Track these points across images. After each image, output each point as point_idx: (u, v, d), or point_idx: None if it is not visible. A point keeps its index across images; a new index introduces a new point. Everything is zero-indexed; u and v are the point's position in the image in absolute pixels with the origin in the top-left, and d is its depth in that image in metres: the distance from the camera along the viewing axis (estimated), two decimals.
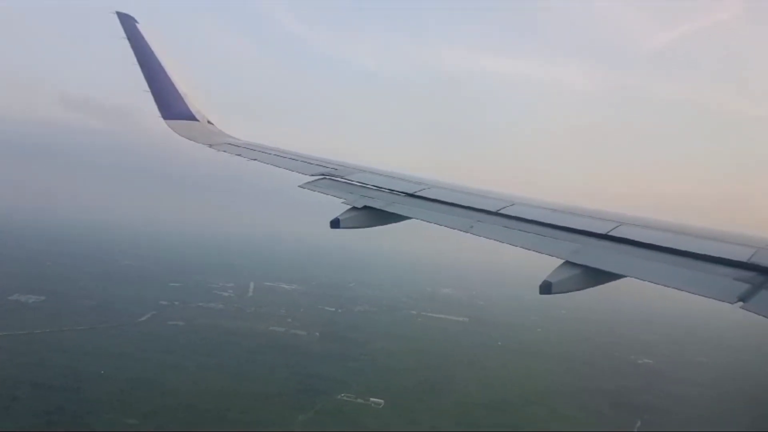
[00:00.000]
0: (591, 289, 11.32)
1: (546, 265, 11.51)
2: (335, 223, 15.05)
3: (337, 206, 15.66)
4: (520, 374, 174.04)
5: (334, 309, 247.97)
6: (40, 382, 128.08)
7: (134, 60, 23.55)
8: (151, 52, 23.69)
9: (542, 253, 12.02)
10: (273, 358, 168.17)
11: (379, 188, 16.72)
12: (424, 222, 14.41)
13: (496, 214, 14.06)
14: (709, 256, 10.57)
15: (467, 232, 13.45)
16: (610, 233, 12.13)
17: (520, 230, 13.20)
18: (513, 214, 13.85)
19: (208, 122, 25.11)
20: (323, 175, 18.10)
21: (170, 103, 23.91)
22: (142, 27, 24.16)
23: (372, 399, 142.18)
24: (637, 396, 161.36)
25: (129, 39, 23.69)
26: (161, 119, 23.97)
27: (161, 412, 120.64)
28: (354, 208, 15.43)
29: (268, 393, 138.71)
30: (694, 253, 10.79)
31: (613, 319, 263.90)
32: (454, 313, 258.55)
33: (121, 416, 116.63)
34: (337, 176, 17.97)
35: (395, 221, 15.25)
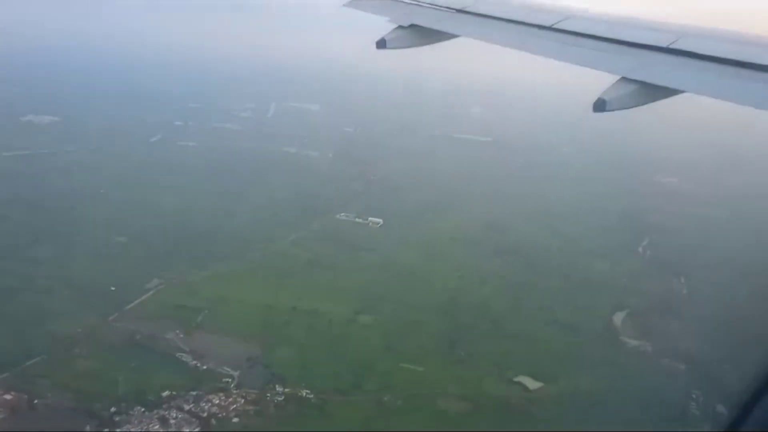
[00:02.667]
0: (643, 109, 11.31)
1: (601, 82, 11.45)
2: (381, 44, 14.90)
3: (384, 26, 15.27)
4: (530, 194, 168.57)
5: (353, 129, 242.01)
6: (34, 201, 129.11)
7: None
8: None
9: (597, 70, 11.86)
10: (278, 178, 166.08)
11: (427, 5, 16.10)
12: (474, 39, 14.26)
13: (550, 29, 13.64)
14: None
15: (519, 49, 13.33)
16: (670, 46, 11.57)
17: (575, 46, 12.92)
18: (568, 29, 13.42)
19: None
20: None
21: None
22: None
23: (371, 218, 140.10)
24: (650, 215, 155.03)
25: None
26: None
27: (152, 231, 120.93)
28: (401, 27, 15.07)
29: (265, 214, 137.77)
30: (759, 64, 10.08)
31: (653, 140, 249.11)
32: (480, 133, 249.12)
33: (112, 234, 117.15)
34: None
35: (444, 40, 15.06)
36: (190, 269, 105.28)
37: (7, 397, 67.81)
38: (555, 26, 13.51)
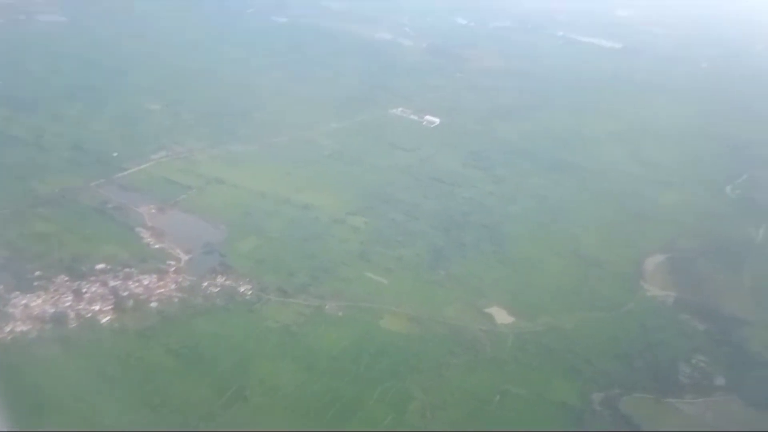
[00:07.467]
0: None
1: None
2: None
3: None
4: (625, 109, 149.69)
5: (466, 22, 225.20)
6: (93, 60, 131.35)
7: None
8: None
9: None
10: (353, 62, 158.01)
11: None
12: None
13: None
14: None
15: None
16: None
17: None
18: None
19: None
20: None
21: None
22: None
23: (427, 117, 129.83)
24: None
25: None
26: None
27: (190, 102, 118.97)
28: None
29: (319, 98, 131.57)
30: None
31: None
32: (611, 39, 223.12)
33: (148, 100, 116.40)
34: None
35: None
36: (205, 145, 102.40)
37: None
38: None
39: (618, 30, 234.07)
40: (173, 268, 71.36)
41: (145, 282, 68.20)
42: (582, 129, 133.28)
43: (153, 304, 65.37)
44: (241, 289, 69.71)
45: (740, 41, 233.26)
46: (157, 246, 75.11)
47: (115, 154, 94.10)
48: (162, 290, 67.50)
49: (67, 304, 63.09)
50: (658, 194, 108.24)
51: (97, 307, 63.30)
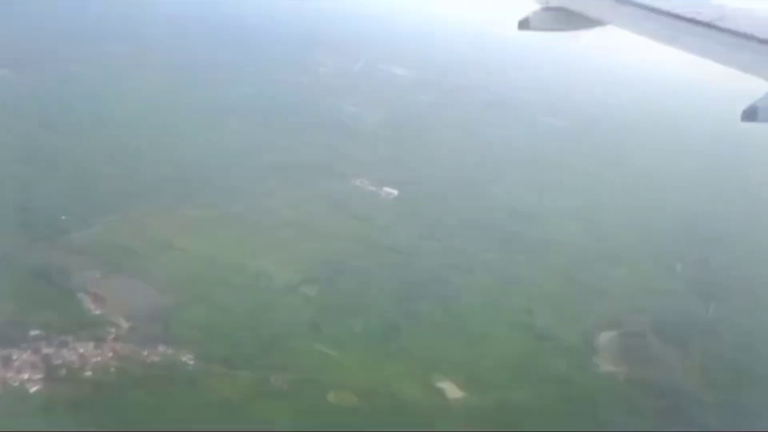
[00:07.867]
0: None
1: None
2: (524, 24, 15.82)
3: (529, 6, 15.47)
4: (586, 183, 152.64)
5: (426, 97, 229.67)
6: (53, 121, 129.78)
7: None
8: None
9: (754, 75, 11.13)
10: (315, 132, 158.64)
11: None
12: (622, 29, 14.22)
13: (708, 25, 13.19)
14: None
15: (670, 45, 13.07)
16: None
17: (733, 45, 12.21)
18: (728, 27, 12.87)
19: None
20: None
21: None
22: None
23: (385, 188, 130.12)
24: (729, 227, 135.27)
25: None
26: None
27: (147, 166, 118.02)
28: (548, 8, 15.60)
29: (277, 168, 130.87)
30: None
31: None
32: (567, 118, 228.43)
33: (104, 163, 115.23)
34: None
35: (590, 27, 15.25)
36: (158, 210, 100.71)
37: None
38: (713, 23, 13.08)
39: (573, 108, 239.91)
40: (112, 336, 68.71)
41: (81, 350, 65.33)
42: (538, 204, 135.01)
43: (87, 374, 62.52)
44: (183, 359, 67.20)
45: (690, 119, 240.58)
46: (97, 312, 72.51)
47: (63, 217, 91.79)
48: (98, 359, 64.68)
49: None
50: (609, 269, 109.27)
51: (26, 376, 60.11)
